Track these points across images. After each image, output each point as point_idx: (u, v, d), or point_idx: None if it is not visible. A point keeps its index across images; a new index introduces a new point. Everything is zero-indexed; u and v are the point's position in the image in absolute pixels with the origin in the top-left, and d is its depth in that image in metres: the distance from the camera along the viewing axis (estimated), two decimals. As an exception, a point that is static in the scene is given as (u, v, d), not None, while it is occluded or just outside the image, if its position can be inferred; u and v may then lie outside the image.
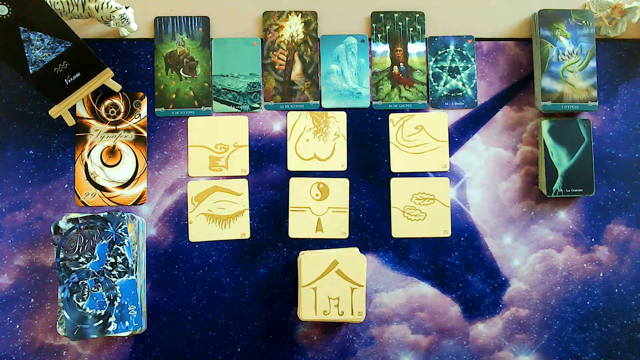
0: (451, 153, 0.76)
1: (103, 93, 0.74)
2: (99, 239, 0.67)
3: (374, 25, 0.77)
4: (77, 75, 0.69)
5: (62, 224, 0.66)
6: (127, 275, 0.67)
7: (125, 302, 0.67)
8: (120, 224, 0.67)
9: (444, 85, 0.77)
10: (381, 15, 0.77)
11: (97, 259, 0.67)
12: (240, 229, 0.74)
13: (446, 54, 0.77)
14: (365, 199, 0.75)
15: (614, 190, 0.77)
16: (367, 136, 0.76)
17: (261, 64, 0.76)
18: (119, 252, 0.67)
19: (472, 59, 0.77)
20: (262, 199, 0.75)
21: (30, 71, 0.67)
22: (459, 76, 0.77)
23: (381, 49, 0.77)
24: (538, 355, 0.74)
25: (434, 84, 0.77)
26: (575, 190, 0.74)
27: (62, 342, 0.71)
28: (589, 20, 0.75)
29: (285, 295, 0.74)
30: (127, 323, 0.67)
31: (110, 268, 0.67)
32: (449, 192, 0.76)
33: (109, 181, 0.74)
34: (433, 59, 0.77)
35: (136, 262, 0.68)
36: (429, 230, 0.75)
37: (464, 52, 0.77)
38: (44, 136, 0.74)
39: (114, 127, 0.74)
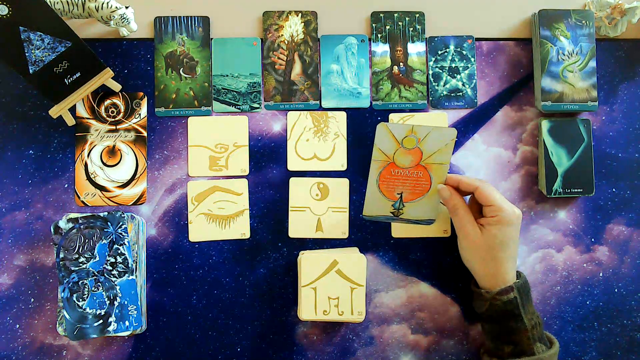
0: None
1: (103, 93, 0.74)
2: (99, 239, 0.67)
3: (374, 25, 0.77)
4: (77, 75, 0.69)
5: (62, 224, 0.66)
6: (127, 275, 0.67)
7: (125, 302, 0.67)
8: (120, 224, 0.67)
9: (443, 85, 0.77)
10: (381, 15, 0.77)
11: (97, 258, 0.67)
12: (240, 229, 0.74)
13: (446, 54, 0.77)
14: (365, 199, 0.75)
15: (614, 190, 0.77)
16: (367, 136, 0.76)
17: (261, 64, 0.76)
18: (119, 252, 0.67)
19: (472, 59, 0.77)
20: (262, 199, 0.75)
21: (30, 71, 0.67)
22: (458, 76, 0.77)
23: (381, 49, 0.77)
24: (538, 355, 0.74)
25: (433, 84, 0.77)
26: (575, 190, 0.74)
27: (62, 342, 0.71)
28: (589, 20, 0.75)
29: (285, 295, 0.74)
30: (127, 323, 0.67)
31: (110, 268, 0.67)
32: (449, 192, 0.75)
33: (109, 181, 0.74)
34: (433, 59, 0.77)
35: (136, 262, 0.68)
36: (429, 230, 0.75)
37: (464, 52, 0.77)
38: (44, 136, 0.74)
39: (114, 127, 0.74)
